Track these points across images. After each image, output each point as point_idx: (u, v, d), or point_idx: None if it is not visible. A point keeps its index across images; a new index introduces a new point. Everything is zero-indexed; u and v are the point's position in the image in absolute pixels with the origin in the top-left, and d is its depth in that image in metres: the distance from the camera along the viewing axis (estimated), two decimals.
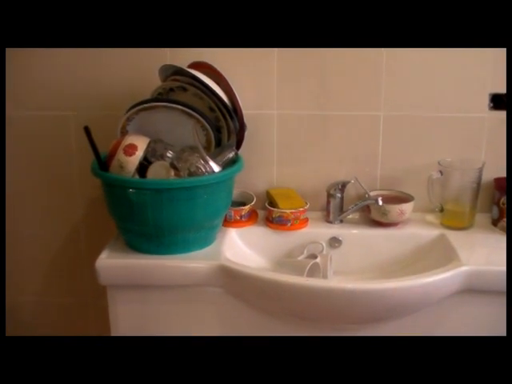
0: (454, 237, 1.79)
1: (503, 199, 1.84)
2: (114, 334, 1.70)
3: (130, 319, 1.69)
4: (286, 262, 1.78)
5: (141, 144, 1.63)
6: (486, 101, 1.90)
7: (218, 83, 1.73)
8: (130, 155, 1.60)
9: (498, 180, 1.92)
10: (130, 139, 1.63)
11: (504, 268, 1.60)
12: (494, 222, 1.90)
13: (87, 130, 1.59)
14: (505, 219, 1.83)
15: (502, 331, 1.62)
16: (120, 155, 1.60)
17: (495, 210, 1.89)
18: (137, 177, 1.63)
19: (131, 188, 1.58)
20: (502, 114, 1.90)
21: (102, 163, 1.62)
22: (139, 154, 1.61)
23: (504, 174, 1.92)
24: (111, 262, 1.64)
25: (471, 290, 1.62)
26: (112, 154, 1.61)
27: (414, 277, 1.57)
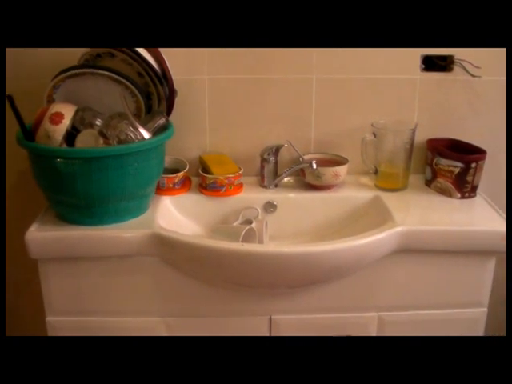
0: (388, 198, 1.81)
1: (436, 160, 1.85)
2: (47, 309, 1.67)
3: (63, 293, 1.66)
4: (220, 228, 1.77)
5: (67, 112, 1.58)
6: (418, 62, 1.91)
7: (146, 48, 1.68)
8: (57, 124, 1.55)
9: (430, 141, 1.94)
10: (57, 107, 1.58)
11: (439, 227, 1.66)
12: (428, 183, 1.92)
13: (11, 99, 1.53)
14: (438, 179, 1.85)
15: (437, 287, 1.70)
16: (46, 124, 1.55)
17: (428, 171, 1.90)
18: (64, 146, 1.58)
19: (59, 158, 1.53)
20: (433, 76, 1.93)
21: (28, 133, 1.57)
22: (66, 122, 1.56)
23: (437, 135, 1.94)
24: (41, 235, 1.59)
25: (407, 249, 1.63)
26: (38, 123, 1.56)
27: (349, 239, 1.58)
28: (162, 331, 1.69)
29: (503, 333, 2.13)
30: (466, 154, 1.81)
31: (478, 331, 1.76)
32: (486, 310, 1.74)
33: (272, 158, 1.88)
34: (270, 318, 1.70)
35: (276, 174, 1.90)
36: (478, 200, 1.83)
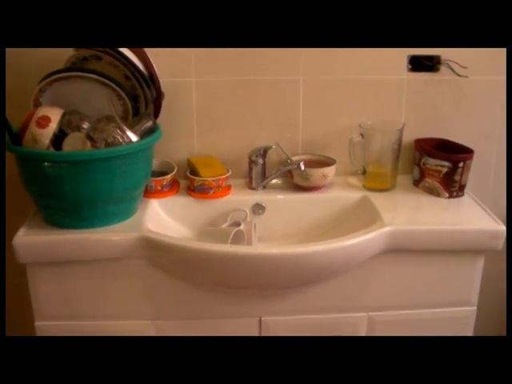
0: (376, 198, 1.81)
1: (424, 160, 1.86)
2: (36, 313, 1.66)
3: (52, 297, 1.65)
4: (209, 230, 1.77)
5: (54, 115, 1.57)
6: (405, 62, 1.91)
7: (133, 50, 1.68)
8: (44, 127, 1.54)
9: (418, 141, 1.94)
10: (43, 111, 1.57)
11: (427, 227, 1.66)
12: (416, 183, 1.92)
13: None
14: (426, 179, 1.86)
15: (426, 286, 1.71)
16: (33, 128, 1.54)
17: (416, 171, 1.91)
18: (52, 150, 1.57)
19: (46, 161, 1.53)
20: (420, 76, 1.93)
21: (14, 136, 1.56)
22: (53, 125, 1.55)
23: (424, 135, 1.95)
24: (29, 239, 1.58)
25: (396, 249, 1.64)
26: (24, 127, 1.56)
27: (338, 239, 1.58)
28: (151, 334, 1.69)
29: (492, 331, 2.15)
30: (454, 153, 1.82)
31: (468, 330, 1.76)
32: (475, 308, 1.75)
33: (260, 160, 1.88)
34: (260, 320, 1.69)
35: (264, 176, 1.90)
36: (466, 199, 1.84)
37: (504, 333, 2.15)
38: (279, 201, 1.87)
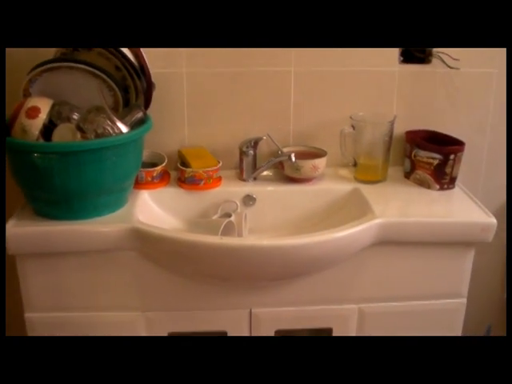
0: (367, 190, 1.81)
1: (415, 152, 1.86)
2: (26, 305, 1.66)
3: (42, 289, 1.64)
4: (199, 222, 1.77)
5: (44, 106, 1.57)
6: (397, 55, 1.91)
7: None
8: (33, 118, 1.53)
9: (409, 133, 1.94)
10: (33, 101, 1.57)
11: (418, 219, 1.66)
12: (407, 175, 1.92)
13: None
14: (417, 171, 1.86)
15: (416, 278, 1.71)
16: (22, 118, 1.53)
17: (407, 163, 1.91)
18: (41, 141, 1.56)
19: (36, 152, 1.52)
20: (411, 68, 1.93)
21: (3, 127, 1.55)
22: (42, 116, 1.55)
23: (415, 127, 1.95)
24: (19, 230, 1.58)
25: (387, 241, 1.64)
26: (14, 118, 1.55)
27: (329, 231, 1.57)
28: (141, 325, 1.69)
29: (482, 323, 2.16)
30: (445, 145, 1.82)
31: (457, 322, 1.77)
32: (465, 300, 1.75)
33: (251, 151, 1.88)
34: (250, 311, 1.70)
35: (255, 167, 1.89)
36: (457, 191, 1.84)
37: (493, 325, 2.17)
38: (270, 192, 1.87)
